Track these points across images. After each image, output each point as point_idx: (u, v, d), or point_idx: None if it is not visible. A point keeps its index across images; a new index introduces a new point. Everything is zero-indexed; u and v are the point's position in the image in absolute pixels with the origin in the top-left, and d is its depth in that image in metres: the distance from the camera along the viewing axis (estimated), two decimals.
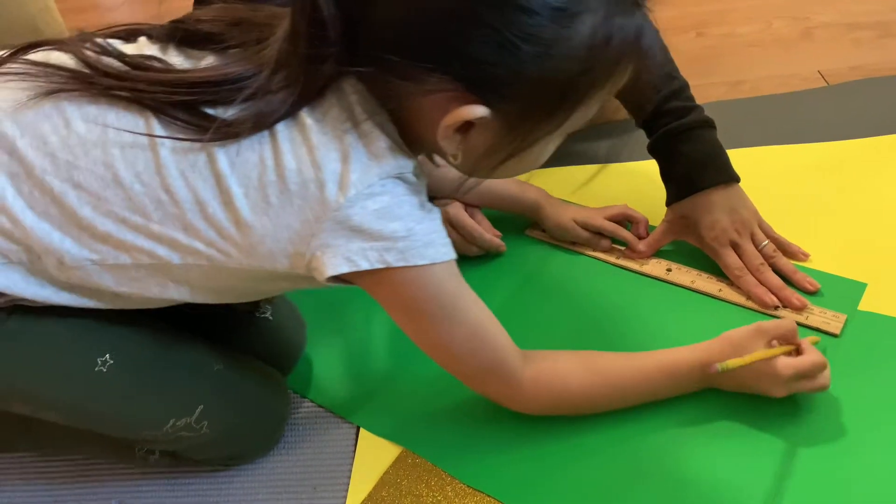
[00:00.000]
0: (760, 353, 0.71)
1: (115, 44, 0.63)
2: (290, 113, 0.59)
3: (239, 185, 0.59)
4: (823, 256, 0.92)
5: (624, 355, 0.76)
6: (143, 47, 0.64)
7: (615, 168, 1.12)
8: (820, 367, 0.72)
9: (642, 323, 0.87)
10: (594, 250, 0.96)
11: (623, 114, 1.10)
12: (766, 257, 0.88)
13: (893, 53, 1.30)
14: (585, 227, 0.96)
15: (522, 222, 1.02)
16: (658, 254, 0.95)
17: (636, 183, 1.05)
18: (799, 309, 0.84)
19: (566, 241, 0.98)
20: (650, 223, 0.97)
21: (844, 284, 0.87)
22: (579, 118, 0.61)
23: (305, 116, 0.59)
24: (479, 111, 0.57)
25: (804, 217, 0.98)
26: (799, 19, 1.42)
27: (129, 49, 0.63)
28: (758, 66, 1.31)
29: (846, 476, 0.69)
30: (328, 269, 0.60)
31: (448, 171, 0.71)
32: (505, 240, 1.00)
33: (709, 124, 0.90)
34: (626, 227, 0.97)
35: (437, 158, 0.67)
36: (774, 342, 0.73)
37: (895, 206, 0.98)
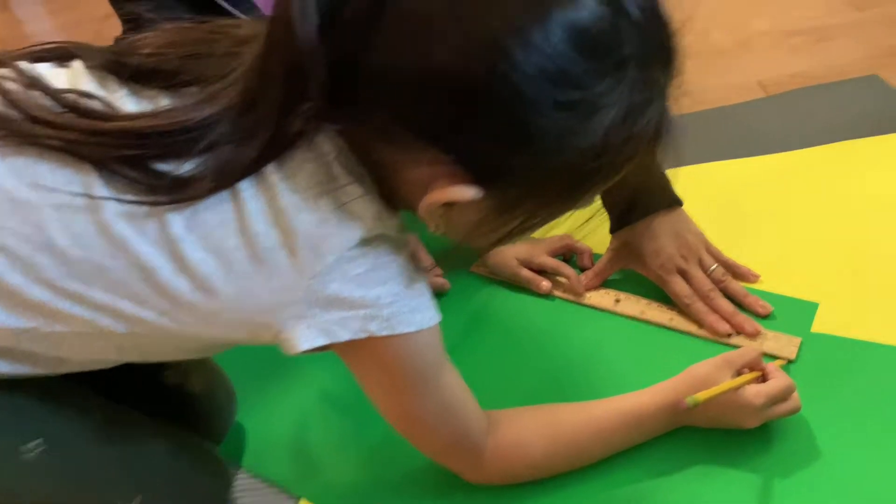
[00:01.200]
0: (728, 383, 0.68)
1: (44, 71, 0.55)
2: (255, 168, 0.51)
3: (196, 249, 0.52)
4: (774, 276, 0.89)
5: (585, 408, 0.71)
6: (78, 77, 0.55)
7: None
8: (790, 389, 0.69)
9: (594, 359, 0.83)
10: (537, 291, 0.92)
11: None
12: (716, 282, 0.85)
13: (830, 58, 1.29)
14: (528, 265, 0.92)
15: (470, 257, 0.98)
16: (607, 283, 0.91)
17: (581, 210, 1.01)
18: (752, 335, 0.81)
19: (509, 279, 0.94)
20: (600, 250, 0.93)
21: (796, 306, 0.85)
22: (584, 202, 0.56)
23: (272, 173, 0.51)
24: (469, 193, 0.50)
25: (751, 235, 0.95)
26: (737, 28, 1.40)
27: (61, 79, 0.55)
28: (698, 79, 1.28)
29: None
30: (301, 342, 0.54)
31: None
32: (450, 277, 0.96)
33: None
34: (571, 257, 0.94)
35: None
36: (743, 371, 0.70)
37: (841, 219, 0.96)
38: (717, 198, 1.02)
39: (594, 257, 0.94)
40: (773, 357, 0.78)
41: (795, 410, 0.69)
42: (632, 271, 0.90)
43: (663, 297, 0.87)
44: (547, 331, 0.88)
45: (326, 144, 0.51)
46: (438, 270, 0.93)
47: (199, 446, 0.73)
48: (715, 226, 0.91)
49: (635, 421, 0.69)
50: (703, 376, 0.69)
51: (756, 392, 0.67)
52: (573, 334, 0.87)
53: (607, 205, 0.88)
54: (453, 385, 0.63)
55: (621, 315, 0.87)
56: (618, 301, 0.89)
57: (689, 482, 0.69)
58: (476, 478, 0.68)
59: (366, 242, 0.53)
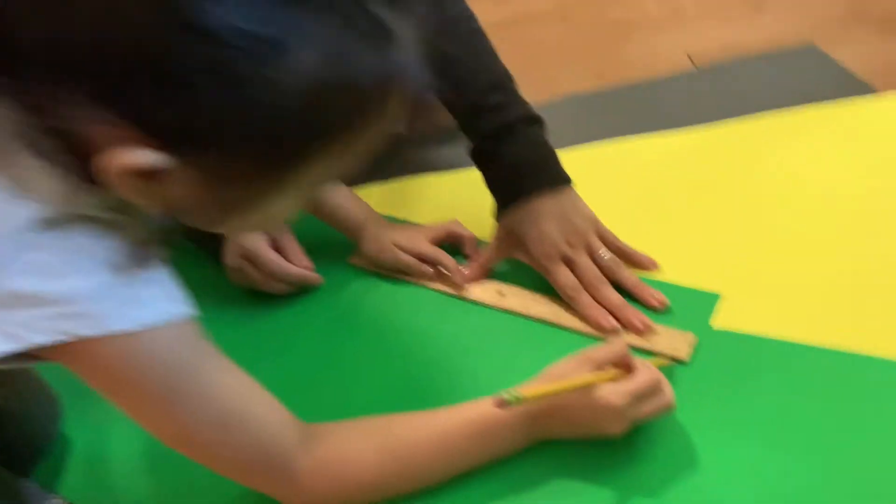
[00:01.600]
0: (569, 381, 0.58)
1: None
2: None
3: None
4: (676, 264, 0.79)
5: (426, 418, 0.61)
6: None
7: (452, 177, 0.98)
8: (655, 384, 0.59)
9: (471, 359, 0.73)
10: (418, 279, 0.82)
11: None
12: (606, 271, 0.75)
13: (765, 28, 1.19)
14: (408, 252, 0.82)
15: (349, 247, 0.88)
16: (494, 274, 0.81)
17: (471, 193, 0.91)
18: (642, 332, 0.71)
19: (389, 269, 0.84)
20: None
21: (694, 297, 0.75)
22: (327, 171, 0.46)
23: None
24: (151, 158, 0.41)
25: (657, 219, 0.85)
26: None
27: None
28: (629, 51, 1.19)
29: None
30: None
31: None
32: (325, 270, 0.86)
33: (533, 120, 0.77)
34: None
35: None
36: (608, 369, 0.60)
37: (757, 200, 0.86)
38: (624, 177, 0.92)
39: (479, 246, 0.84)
40: (662, 357, 0.69)
41: (668, 408, 0.60)
42: (519, 261, 0.80)
43: (550, 290, 0.77)
44: (424, 328, 0.78)
45: None
46: (308, 262, 0.82)
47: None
48: (619, 208, 0.81)
49: (484, 431, 0.60)
50: (558, 375, 0.59)
51: (615, 390, 0.57)
52: (452, 332, 0.77)
53: (490, 186, 0.79)
54: (233, 390, 0.53)
55: (505, 310, 0.77)
56: (501, 294, 0.79)
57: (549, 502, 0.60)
58: (295, 501, 0.58)
59: (51, 224, 0.43)
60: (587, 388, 0.58)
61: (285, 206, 0.48)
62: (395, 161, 1.05)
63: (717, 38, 1.17)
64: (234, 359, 0.55)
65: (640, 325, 0.71)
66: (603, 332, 0.72)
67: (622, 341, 0.65)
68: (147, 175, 0.42)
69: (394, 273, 0.84)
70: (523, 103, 0.77)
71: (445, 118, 0.81)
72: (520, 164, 0.75)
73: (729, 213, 0.85)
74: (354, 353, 0.76)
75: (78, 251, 0.45)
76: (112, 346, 0.47)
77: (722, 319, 0.72)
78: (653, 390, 0.59)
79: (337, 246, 0.89)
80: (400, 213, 0.93)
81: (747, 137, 0.97)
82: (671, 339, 0.70)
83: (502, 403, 0.52)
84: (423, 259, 0.82)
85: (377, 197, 0.90)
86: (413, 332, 0.78)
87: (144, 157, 0.41)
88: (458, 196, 0.96)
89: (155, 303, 0.48)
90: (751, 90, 1.06)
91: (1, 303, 0.44)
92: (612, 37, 1.23)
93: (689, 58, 1.14)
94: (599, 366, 0.60)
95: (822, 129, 0.96)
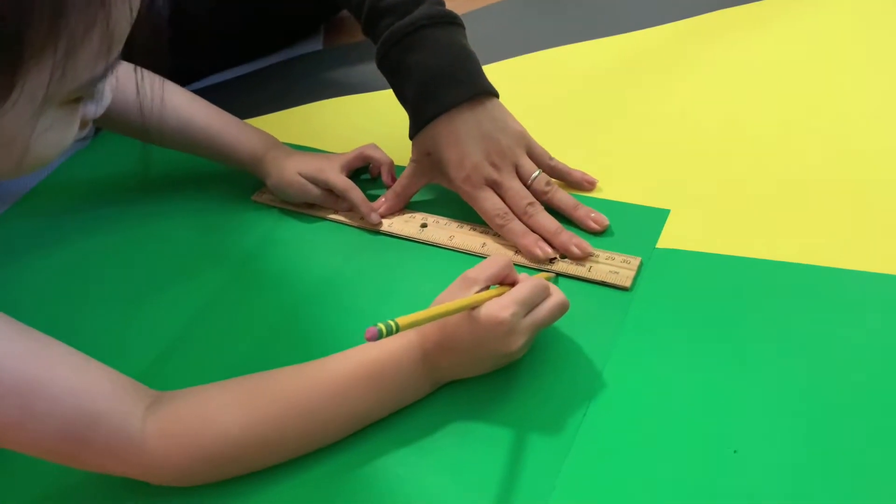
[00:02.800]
0: (448, 304, 0.49)
1: None
2: None
3: None
4: (618, 182, 0.70)
5: (311, 366, 0.52)
6: None
7: (373, 97, 0.88)
8: (541, 287, 0.52)
9: (389, 301, 0.64)
10: (331, 213, 0.72)
11: None
12: (538, 193, 0.66)
13: None
14: (314, 182, 0.72)
15: (252, 183, 0.78)
16: (413, 206, 0.72)
17: (394, 115, 0.81)
18: (580, 258, 0.62)
19: (296, 203, 0.74)
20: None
21: (641, 214, 0.66)
22: (49, 80, 0.37)
23: None
24: None
25: (590, 135, 0.76)
26: None
27: None
28: None
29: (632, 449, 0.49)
30: None
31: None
32: (227, 209, 0.76)
33: (446, 20, 0.66)
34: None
35: None
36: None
37: (704, 106, 0.77)
38: (554, 89, 0.83)
39: (396, 172, 0.74)
40: (604, 285, 0.60)
41: (562, 307, 0.53)
42: (441, 189, 0.70)
43: (476, 218, 0.67)
44: (337, 268, 0.68)
45: None
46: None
47: None
48: (549, 123, 0.72)
49: (375, 374, 0.51)
50: (442, 303, 0.51)
51: (498, 303, 0.50)
52: (372, 272, 0.67)
53: (401, 101, 0.68)
54: (26, 356, 0.44)
55: (428, 243, 0.68)
56: (424, 226, 0.70)
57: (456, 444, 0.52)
58: (151, 472, 0.48)
59: None
60: (471, 311, 0.50)
61: (23, 130, 0.39)
62: (304, 83, 0.95)
63: None
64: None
65: (578, 252, 0.62)
66: (537, 263, 0.63)
67: (503, 256, 0.57)
68: None
69: (303, 208, 0.74)
70: (433, 1, 0.66)
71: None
72: (432, 74, 0.65)
73: (670, 123, 0.76)
74: (261, 299, 0.66)
75: None
76: None
77: (669, 239, 0.63)
78: (539, 294, 0.52)
79: (238, 183, 0.79)
80: (310, 143, 0.82)
81: (691, 37, 0.87)
82: (612, 264, 0.61)
83: (375, 334, 0.43)
84: (333, 191, 0.72)
85: (280, 126, 0.79)
86: (326, 274, 0.68)
87: None
88: (373, 120, 0.86)
89: None
90: None
91: None
92: None
93: None
94: (482, 286, 0.52)
95: (772, 19, 0.87)
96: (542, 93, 0.82)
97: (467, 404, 0.54)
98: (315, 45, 1.04)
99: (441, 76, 0.65)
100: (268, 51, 1.05)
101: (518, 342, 0.51)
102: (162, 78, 0.55)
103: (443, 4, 0.67)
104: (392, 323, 0.43)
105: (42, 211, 0.82)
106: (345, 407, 0.51)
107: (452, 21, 0.66)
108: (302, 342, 0.62)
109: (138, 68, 0.49)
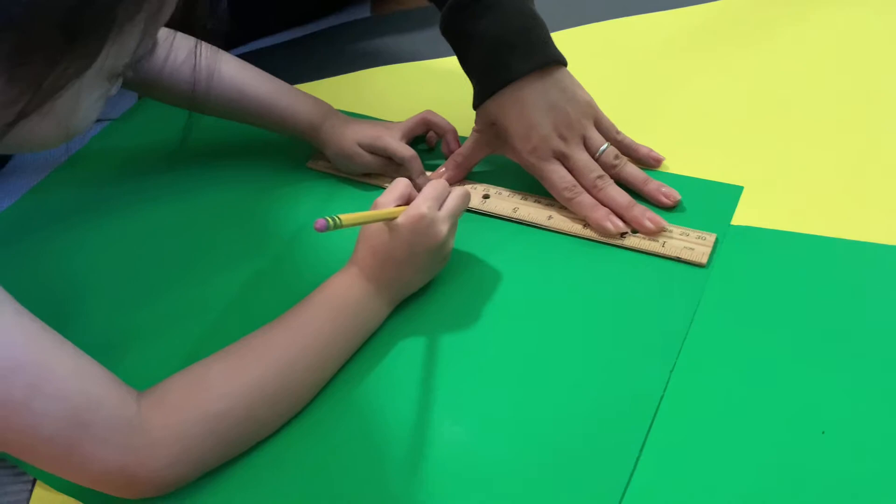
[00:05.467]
0: (377, 212, 0.56)
1: None
2: None
3: None
4: (684, 158, 0.68)
5: (283, 317, 0.54)
6: None
7: (440, 64, 0.86)
8: (443, 183, 0.59)
9: (456, 272, 0.62)
10: (388, 182, 0.71)
11: None
12: (607, 167, 0.64)
13: None
14: (373, 151, 0.71)
15: (304, 150, 0.76)
16: (474, 176, 0.70)
17: (451, 83, 0.79)
18: (654, 233, 0.61)
19: (354, 173, 0.73)
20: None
21: (714, 191, 0.64)
22: (118, 52, 0.42)
23: None
24: None
25: (660, 107, 0.74)
26: None
27: None
28: None
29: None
30: None
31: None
32: (280, 176, 0.75)
33: None
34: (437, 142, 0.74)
35: None
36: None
37: (770, 81, 0.75)
38: (619, 60, 0.80)
39: (459, 140, 0.72)
40: (681, 261, 0.59)
41: (466, 195, 0.59)
42: (503, 160, 0.69)
43: (541, 189, 0.66)
44: None
45: None
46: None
47: None
48: (614, 95, 0.70)
49: (335, 307, 0.55)
50: (368, 230, 0.57)
51: (414, 204, 0.56)
52: None
53: (466, 69, 0.67)
54: (34, 348, 0.43)
55: (490, 214, 0.67)
56: (486, 197, 0.68)
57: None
58: (149, 455, 0.46)
59: None
60: (393, 221, 0.56)
61: (84, 102, 0.44)
62: (352, 51, 0.93)
63: None
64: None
65: (651, 227, 0.60)
66: (608, 237, 0.61)
67: (403, 180, 0.59)
68: None
69: (360, 177, 0.73)
70: None
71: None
72: (502, 41, 0.63)
73: (738, 97, 0.74)
74: (317, 270, 0.65)
75: None
76: None
77: (744, 216, 0.62)
78: (444, 188, 0.58)
79: (292, 150, 0.77)
80: (361, 110, 0.81)
81: (762, 8, 0.85)
82: (686, 240, 0.60)
83: (324, 225, 0.48)
84: (393, 159, 0.70)
85: (329, 94, 0.77)
86: None
87: None
88: (427, 89, 0.84)
89: None
90: None
91: None
92: None
93: None
94: (393, 206, 0.57)
95: None
96: (605, 64, 0.80)
97: (542, 388, 0.53)
98: (363, 12, 1.02)
99: (509, 44, 0.63)
100: (311, 18, 1.03)
101: (443, 230, 0.56)
102: (214, 47, 0.54)
103: None
104: (337, 217, 0.49)
105: (81, 180, 0.80)
106: (322, 345, 0.53)
107: None
108: None
109: (191, 38, 0.50)
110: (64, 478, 0.46)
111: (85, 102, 0.44)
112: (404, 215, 0.55)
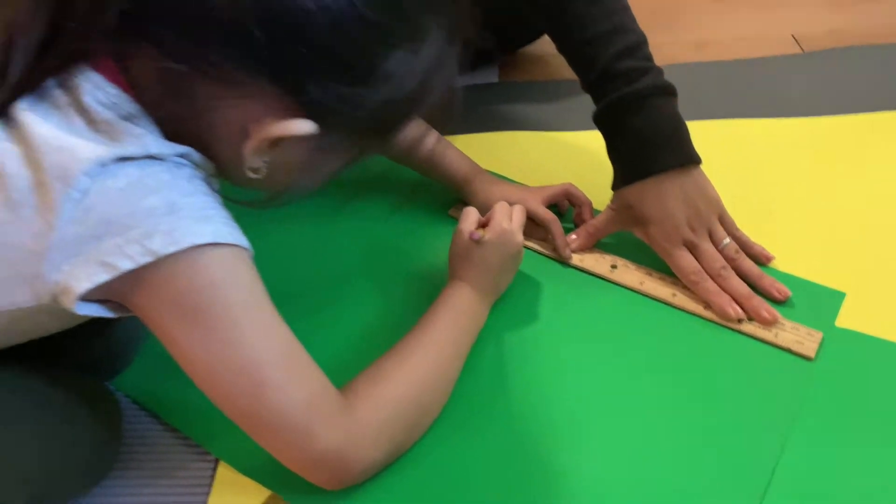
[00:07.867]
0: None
1: None
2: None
3: None
4: (792, 258, 0.77)
5: (419, 327, 0.64)
6: None
7: (564, 137, 0.95)
8: (505, 206, 0.72)
9: (581, 331, 0.72)
10: (527, 240, 0.80)
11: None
12: (727, 259, 0.73)
13: (873, 18, 1.16)
14: None
15: (447, 199, 0.85)
16: (602, 246, 0.79)
17: (586, 157, 0.88)
18: (769, 323, 0.69)
19: None
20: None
21: (819, 293, 0.73)
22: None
23: (24, 109, 0.45)
24: (305, 127, 0.48)
25: (769, 209, 0.83)
26: None
27: None
28: (725, 25, 1.16)
29: None
30: (79, 282, 0.45)
31: None
32: (423, 221, 0.84)
33: (667, 91, 0.73)
34: (567, 209, 0.83)
35: None
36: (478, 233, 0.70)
37: (874, 198, 0.84)
38: (732, 161, 0.89)
39: (594, 213, 0.81)
40: (788, 352, 0.67)
41: (523, 210, 0.73)
42: (632, 237, 0.78)
43: (665, 268, 0.75)
44: (528, 295, 0.76)
45: (94, 76, 0.46)
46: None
47: (89, 387, 0.61)
48: (726, 193, 0.79)
49: (458, 312, 0.66)
50: (461, 250, 0.70)
51: (497, 223, 0.70)
52: (559, 301, 0.75)
53: (612, 156, 0.76)
54: (286, 338, 0.52)
55: (618, 284, 0.76)
56: (614, 267, 0.77)
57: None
58: (357, 434, 0.54)
59: (126, 159, 0.45)
60: (481, 238, 0.70)
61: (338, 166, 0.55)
62: (481, 112, 1.02)
63: (825, 22, 1.13)
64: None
65: (768, 316, 0.69)
66: (727, 320, 0.70)
67: (471, 208, 0.72)
68: (277, 142, 0.48)
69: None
70: (658, 71, 0.74)
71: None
72: (650, 138, 0.72)
73: (842, 208, 0.83)
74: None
75: (152, 175, 0.46)
76: (181, 265, 0.47)
77: (847, 319, 0.71)
78: (509, 208, 0.72)
79: (436, 196, 0.86)
80: (489, 167, 0.90)
81: (859, 133, 0.94)
82: (797, 334, 0.69)
83: (474, 235, 0.69)
84: (534, 221, 0.79)
85: (461, 148, 0.87)
86: (515, 298, 0.75)
87: (301, 126, 0.47)
88: (550, 158, 0.93)
89: (221, 223, 0.48)
90: (854, 82, 1.03)
91: (90, 236, 0.45)
92: (708, 7, 1.19)
93: (795, 39, 1.11)
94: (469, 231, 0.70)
95: None
96: (724, 162, 0.89)
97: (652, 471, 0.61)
98: (491, 76, 1.12)
99: (657, 142, 0.72)
100: None
101: (519, 238, 0.70)
102: None
103: (662, 73, 0.75)
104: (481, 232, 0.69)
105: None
106: (456, 343, 0.65)
107: (672, 92, 0.74)
108: (495, 362, 0.70)
109: None
110: (280, 459, 0.54)
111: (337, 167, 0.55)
112: (493, 232, 0.69)
